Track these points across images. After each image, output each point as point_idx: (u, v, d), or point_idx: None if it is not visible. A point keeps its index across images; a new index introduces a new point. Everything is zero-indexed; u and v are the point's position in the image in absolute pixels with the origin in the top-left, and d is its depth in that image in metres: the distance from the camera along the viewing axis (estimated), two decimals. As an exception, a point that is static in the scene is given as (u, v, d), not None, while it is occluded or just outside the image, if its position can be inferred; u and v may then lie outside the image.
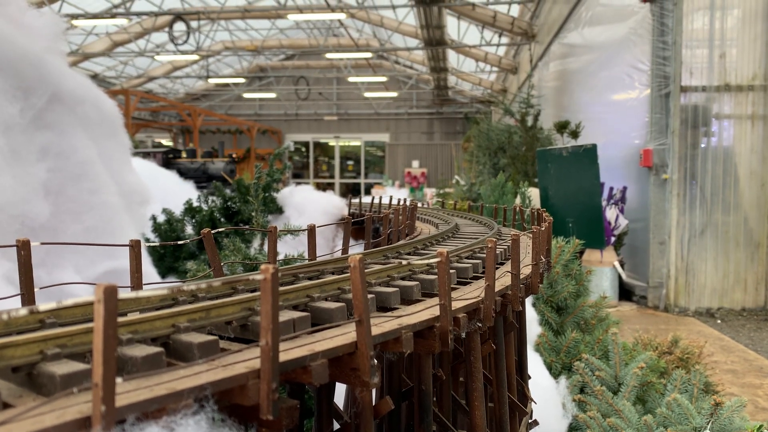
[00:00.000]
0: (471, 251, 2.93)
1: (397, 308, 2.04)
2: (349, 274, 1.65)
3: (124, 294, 1.50)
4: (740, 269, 9.42)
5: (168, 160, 15.61)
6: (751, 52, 9.30)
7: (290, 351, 1.46)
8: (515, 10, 21.79)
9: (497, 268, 3.01)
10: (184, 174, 14.77)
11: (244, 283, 1.87)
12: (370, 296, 1.96)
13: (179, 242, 2.23)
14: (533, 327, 5.29)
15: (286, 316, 1.64)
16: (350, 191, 36.79)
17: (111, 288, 1.06)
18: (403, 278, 2.26)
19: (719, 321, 8.86)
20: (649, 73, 9.58)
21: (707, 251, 9.41)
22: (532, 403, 3.58)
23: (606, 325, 5.53)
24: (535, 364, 4.81)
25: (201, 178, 14.43)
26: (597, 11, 12.87)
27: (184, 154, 15.87)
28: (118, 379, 1.10)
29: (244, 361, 1.38)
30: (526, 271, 2.85)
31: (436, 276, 2.14)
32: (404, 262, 1.96)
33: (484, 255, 2.43)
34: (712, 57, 9.35)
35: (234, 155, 15.92)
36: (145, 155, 15.51)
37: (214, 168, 14.82)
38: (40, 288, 1.93)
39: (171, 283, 2.23)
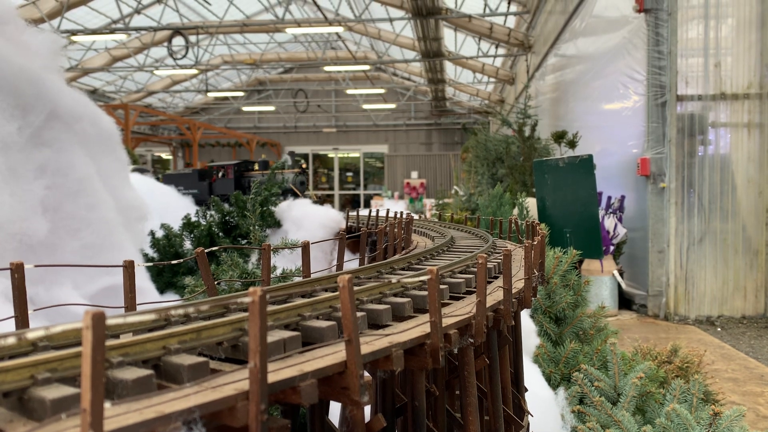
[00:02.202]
0: (464, 266, 2.95)
1: (389, 325, 2.05)
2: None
3: (115, 319, 1.52)
4: (739, 277, 9.42)
5: (241, 172, 14.89)
6: (746, 60, 9.35)
7: (280, 371, 1.48)
8: (511, 21, 21.93)
9: (491, 282, 3.03)
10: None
11: (235, 303, 1.89)
12: (361, 314, 1.98)
13: (173, 261, 2.25)
14: (531, 338, 5.29)
15: (276, 336, 1.65)
16: (350, 202, 36.86)
17: (99, 314, 1.07)
18: (395, 295, 2.27)
19: (719, 329, 8.85)
20: (645, 83, 9.63)
21: (706, 259, 9.42)
22: (529, 415, 3.58)
23: (605, 335, 5.53)
24: (533, 375, 4.81)
25: None
26: (592, 22, 12.95)
27: (256, 167, 14.97)
28: (107, 404, 1.11)
29: (234, 382, 1.39)
30: (519, 285, 2.86)
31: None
32: (395, 280, 1.97)
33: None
34: (708, 66, 9.41)
35: (303, 165, 14.81)
36: (219, 168, 15.08)
37: (283, 180, 13.89)
38: (34, 310, 1.94)
39: (164, 302, 2.25)
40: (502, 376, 2.92)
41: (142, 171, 17.30)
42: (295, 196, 12.09)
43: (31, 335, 1.43)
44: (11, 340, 1.38)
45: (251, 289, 1.30)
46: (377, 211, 8.13)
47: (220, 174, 15.14)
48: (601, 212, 9.54)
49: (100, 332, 1.07)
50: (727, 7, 9.33)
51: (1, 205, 4.50)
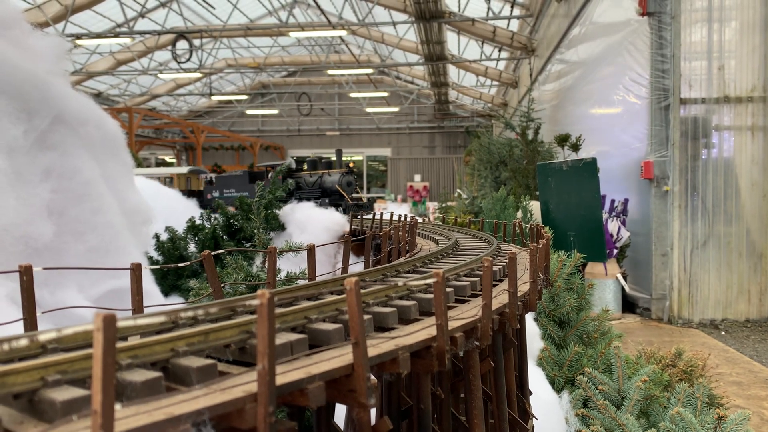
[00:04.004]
0: (470, 269, 2.95)
1: (395, 328, 2.05)
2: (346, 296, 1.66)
3: (125, 321, 1.53)
4: (743, 280, 9.39)
5: (290, 173, 13.99)
6: (750, 63, 9.34)
7: (287, 374, 1.48)
8: (514, 25, 21.94)
9: (496, 285, 3.03)
10: (302, 188, 13.18)
11: (243, 306, 1.90)
12: (367, 316, 1.98)
13: (180, 264, 2.26)
14: (535, 341, 5.28)
15: (283, 338, 1.66)
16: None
17: (110, 317, 1.08)
18: (401, 297, 2.28)
19: (723, 332, 8.82)
20: (648, 86, 9.63)
21: (710, 262, 9.40)
22: (534, 419, 3.58)
23: (608, 338, 5.52)
24: (537, 378, 4.81)
25: (316, 193, 12.71)
26: (595, 25, 12.95)
27: (305, 167, 14.02)
28: (117, 406, 1.12)
29: (242, 384, 1.40)
30: (524, 288, 2.86)
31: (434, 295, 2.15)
32: (401, 283, 1.98)
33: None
34: (711, 69, 9.40)
35: (351, 164, 13.82)
36: (270, 168, 14.56)
37: (330, 181, 12.86)
38: (43, 312, 1.95)
39: (171, 305, 2.26)
40: (507, 379, 2.92)
41: (198, 172, 17.03)
42: (342, 197, 11.60)
43: (41, 337, 1.44)
44: (22, 342, 1.39)
45: (259, 291, 1.30)
46: (381, 214, 8.14)
47: (269, 175, 14.55)
48: (605, 215, 9.53)
49: (111, 334, 1.08)
50: (730, 10, 9.33)
51: (7, 208, 4.52)
